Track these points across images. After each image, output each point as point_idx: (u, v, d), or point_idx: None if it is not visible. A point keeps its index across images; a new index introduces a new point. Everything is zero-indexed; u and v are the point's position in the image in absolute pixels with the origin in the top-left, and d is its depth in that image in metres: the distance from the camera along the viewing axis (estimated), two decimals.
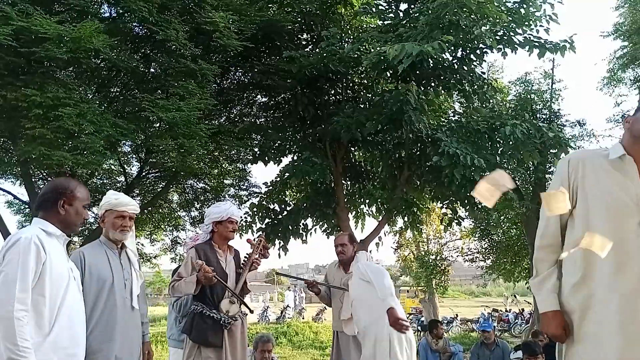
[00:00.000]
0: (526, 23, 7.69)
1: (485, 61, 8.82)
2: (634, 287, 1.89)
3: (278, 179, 9.72)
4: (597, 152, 2.11)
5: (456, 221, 9.52)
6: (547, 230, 2.14)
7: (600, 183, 2.01)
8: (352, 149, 9.70)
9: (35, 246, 2.27)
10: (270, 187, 9.91)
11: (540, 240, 2.16)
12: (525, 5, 7.64)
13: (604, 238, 1.94)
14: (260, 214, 9.58)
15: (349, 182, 10.08)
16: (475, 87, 8.56)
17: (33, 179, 9.09)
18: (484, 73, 9.08)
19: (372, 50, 7.39)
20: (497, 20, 7.42)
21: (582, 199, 2.04)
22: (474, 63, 8.44)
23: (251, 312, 3.90)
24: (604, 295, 1.93)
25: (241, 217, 9.51)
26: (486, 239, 17.29)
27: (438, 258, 20.31)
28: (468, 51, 8.15)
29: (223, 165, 11.12)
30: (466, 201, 8.39)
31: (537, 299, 2.11)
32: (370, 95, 9.14)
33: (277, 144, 9.47)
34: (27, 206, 9.75)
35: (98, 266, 3.11)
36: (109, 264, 3.16)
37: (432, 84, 8.54)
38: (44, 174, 9.53)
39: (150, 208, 10.66)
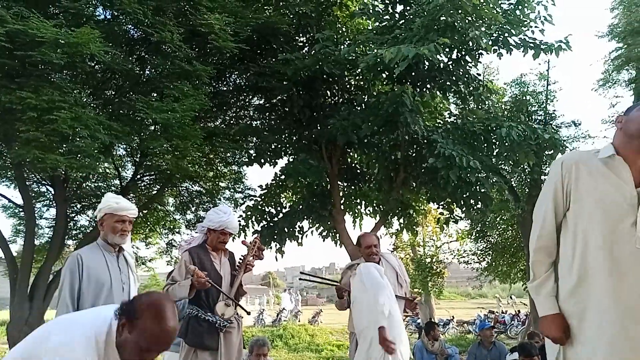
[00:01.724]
0: (521, 25, 7.72)
1: (480, 63, 8.86)
2: (630, 290, 1.89)
3: (274, 181, 9.70)
4: (589, 154, 2.10)
5: (453, 220, 9.53)
6: (542, 231, 2.12)
7: (594, 185, 2.00)
8: (348, 150, 9.70)
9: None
10: (266, 190, 9.90)
11: (535, 242, 2.14)
12: (520, 7, 7.67)
13: (598, 241, 1.94)
14: (255, 217, 9.57)
15: (344, 184, 10.08)
16: (471, 88, 8.59)
17: (27, 183, 9.04)
18: (479, 75, 9.12)
19: (368, 52, 7.40)
20: (493, 22, 7.44)
21: (575, 201, 2.04)
22: (469, 65, 8.46)
23: (248, 313, 3.89)
24: (600, 299, 1.92)
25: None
26: (482, 241, 17.32)
27: (434, 260, 20.33)
28: (463, 53, 8.18)
29: (218, 168, 11.10)
30: (462, 202, 8.40)
31: (536, 302, 2.10)
32: (365, 98, 9.14)
33: (272, 146, 9.46)
34: (21, 210, 9.70)
35: (96, 269, 3.10)
36: (107, 267, 3.15)
37: (428, 86, 8.56)
38: (38, 177, 9.48)
39: (145, 211, 10.62)
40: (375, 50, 6.95)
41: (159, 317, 1.81)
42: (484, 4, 7.13)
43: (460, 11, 7.13)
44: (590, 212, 1.99)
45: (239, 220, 9.48)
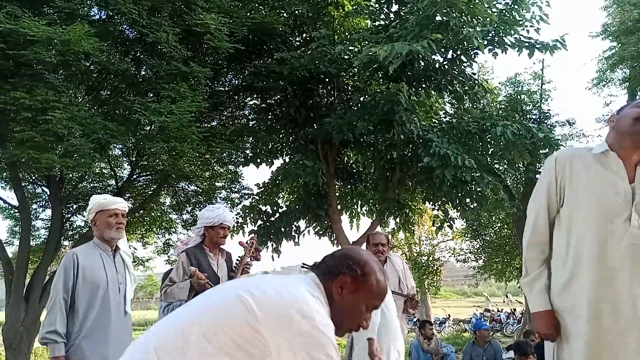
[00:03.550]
0: (516, 25, 7.74)
1: (475, 62, 8.87)
2: (622, 285, 1.90)
3: (270, 181, 9.71)
4: (584, 150, 2.12)
5: (447, 224, 9.58)
6: (536, 228, 2.13)
7: (589, 181, 2.02)
8: (344, 150, 9.71)
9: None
10: (262, 189, 9.91)
11: (528, 238, 2.15)
12: (516, 7, 7.70)
13: (591, 236, 1.95)
14: (252, 216, 9.57)
15: (341, 184, 10.09)
16: (466, 88, 8.60)
17: (23, 183, 9.00)
18: (474, 74, 9.13)
19: (363, 51, 7.41)
20: (487, 21, 7.46)
21: (569, 197, 2.05)
22: (465, 64, 8.48)
23: None
24: (593, 294, 1.94)
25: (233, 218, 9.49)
26: (478, 239, 17.36)
27: (430, 259, 20.38)
28: (459, 52, 8.19)
29: (214, 168, 11.09)
30: (457, 202, 8.42)
31: (528, 298, 2.11)
32: (361, 98, 9.16)
33: (269, 146, 9.46)
34: (17, 211, 9.66)
35: (92, 269, 3.06)
36: (104, 266, 3.11)
37: (423, 85, 8.58)
38: (34, 178, 9.44)
39: (141, 211, 10.60)
40: (370, 48, 6.97)
41: (380, 270, 1.64)
42: (478, 2, 7.15)
43: (453, 9, 7.15)
44: (584, 207, 2.00)
45: (235, 219, 9.50)
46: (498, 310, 22.83)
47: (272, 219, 9.54)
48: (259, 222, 9.54)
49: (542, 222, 2.11)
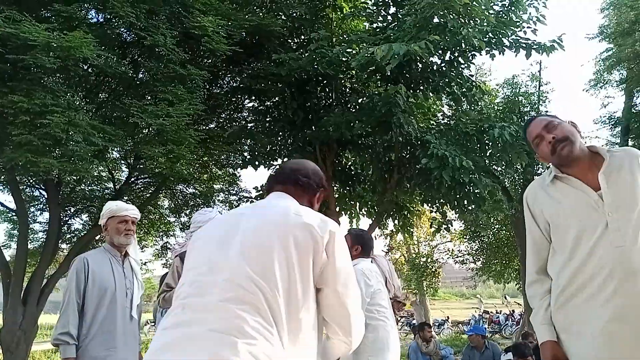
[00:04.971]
0: (513, 27, 7.77)
1: (473, 64, 8.90)
2: (616, 291, 1.90)
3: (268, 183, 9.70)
4: (542, 180, 2.17)
5: (445, 226, 9.58)
6: (531, 268, 2.19)
7: (558, 204, 2.06)
8: (342, 152, 9.72)
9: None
10: (261, 192, 9.90)
11: (527, 279, 2.22)
12: (513, 8, 7.72)
13: (578, 253, 1.97)
14: None
15: (339, 186, 10.10)
16: (464, 89, 8.62)
17: (20, 186, 8.99)
18: (472, 76, 9.15)
19: (361, 52, 7.43)
20: (484, 22, 7.49)
21: (552, 226, 2.09)
22: (462, 66, 8.50)
23: None
24: (585, 309, 1.94)
25: None
26: (476, 241, 17.38)
27: (429, 260, 20.40)
28: (457, 54, 8.21)
29: (213, 170, 11.09)
30: (455, 203, 8.43)
31: (536, 333, 2.15)
32: (359, 100, 9.17)
33: (267, 149, 9.46)
34: (14, 214, 9.64)
35: (101, 273, 3.13)
36: (112, 271, 3.19)
37: (421, 87, 8.59)
38: (32, 181, 9.43)
39: (140, 214, 10.59)
40: (367, 48, 6.99)
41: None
42: (475, 4, 7.17)
43: (451, 11, 7.17)
44: (564, 229, 2.03)
45: None
46: (496, 312, 22.84)
47: None
48: None
49: (535, 262, 2.17)
